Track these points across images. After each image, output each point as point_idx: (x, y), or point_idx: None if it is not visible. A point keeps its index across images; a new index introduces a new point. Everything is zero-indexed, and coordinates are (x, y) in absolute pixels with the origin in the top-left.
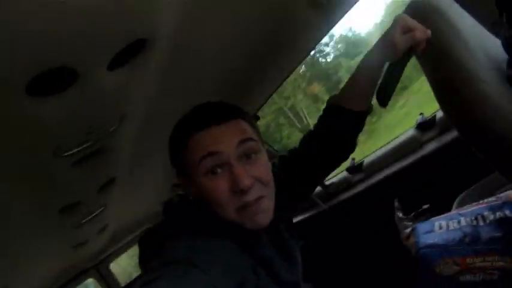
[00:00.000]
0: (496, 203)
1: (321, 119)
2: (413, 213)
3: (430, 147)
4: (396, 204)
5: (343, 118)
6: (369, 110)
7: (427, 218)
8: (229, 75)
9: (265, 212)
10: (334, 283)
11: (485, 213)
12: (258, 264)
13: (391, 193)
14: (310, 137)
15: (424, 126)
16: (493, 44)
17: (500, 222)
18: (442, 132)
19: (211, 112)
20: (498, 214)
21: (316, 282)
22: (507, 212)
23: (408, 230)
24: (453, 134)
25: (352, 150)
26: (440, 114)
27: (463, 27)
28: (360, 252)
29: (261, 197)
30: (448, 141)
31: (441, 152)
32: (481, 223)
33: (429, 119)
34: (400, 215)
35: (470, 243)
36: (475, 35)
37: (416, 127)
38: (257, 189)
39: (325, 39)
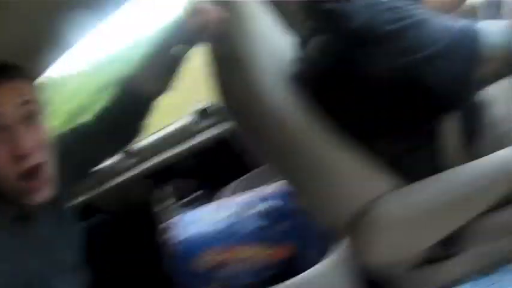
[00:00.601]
0: (261, 194)
1: (111, 100)
2: (183, 201)
3: (205, 135)
4: (165, 191)
5: (131, 102)
6: (157, 94)
7: (196, 206)
8: (23, 30)
9: (47, 183)
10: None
11: (251, 204)
12: (35, 243)
13: (164, 179)
14: (99, 116)
15: (201, 114)
16: (284, 44)
17: (266, 213)
18: (217, 122)
19: None
20: (263, 205)
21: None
22: (272, 203)
23: (173, 219)
24: (228, 124)
25: (137, 134)
26: (217, 103)
27: (256, 22)
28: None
29: (43, 163)
30: (223, 131)
31: (215, 141)
32: (247, 214)
33: (205, 108)
34: (168, 202)
35: (236, 233)
36: (266, 32)
37: (192, 114)
38: (39, 154)
39: None
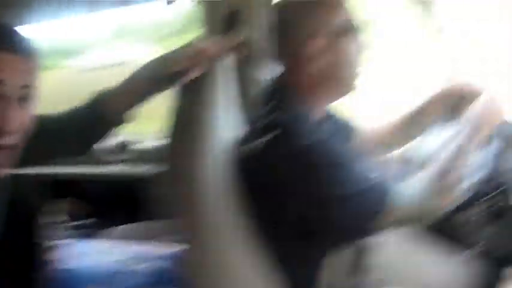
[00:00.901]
0: (153, 251)
1: (79, 109)
2: (73, 223)
3: (118, 168)
4: (58, 206)
5: (94, 118)
6: (122, 121)
7: (83, 234)
8: None
9: (9, 164)
10: None
11: (141, 258)
12: None
13: (59, 193)
14: (66, 116)
15: (121, 146)
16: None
17: (151, 273)
18: (132, 160)
19: (12, 36)
20: (152, 263)
21: None
22: (160, 264)
23: (60, 242)
24: (143, 167)
25: (84, 153)
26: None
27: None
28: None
29: (16, 145)
30: (136, 172)
31: (125, 178)
32: (134, 267)
33: (127, 142)
34: (56, 218)
35: (118, 282)
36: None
37: (113, 143)
38: (17, 136)
39: None
